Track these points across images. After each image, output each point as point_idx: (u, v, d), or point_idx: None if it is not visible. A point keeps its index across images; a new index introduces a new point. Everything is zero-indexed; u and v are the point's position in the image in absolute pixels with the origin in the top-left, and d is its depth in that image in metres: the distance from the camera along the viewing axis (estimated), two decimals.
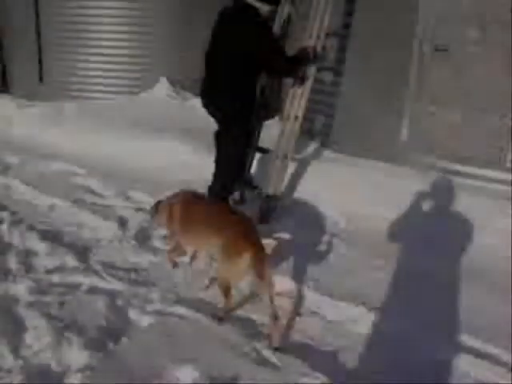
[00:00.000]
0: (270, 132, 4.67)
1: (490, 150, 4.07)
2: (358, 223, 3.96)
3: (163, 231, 3.61)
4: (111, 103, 7.11)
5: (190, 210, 3.01)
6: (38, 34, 8.07)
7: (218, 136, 3.82)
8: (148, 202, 4.30)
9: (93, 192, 4.63)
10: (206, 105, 3.75)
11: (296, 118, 4.05)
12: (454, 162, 4.26)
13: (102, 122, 6.24)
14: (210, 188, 3.83)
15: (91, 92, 7.72)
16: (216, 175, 3.84)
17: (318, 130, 5.26)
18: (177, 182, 4.72)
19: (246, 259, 2.51)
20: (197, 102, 6.97)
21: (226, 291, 2.69)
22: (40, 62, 8.18)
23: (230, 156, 3.70)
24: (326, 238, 3.78)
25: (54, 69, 8.10)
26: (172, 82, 7.33)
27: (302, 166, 4.63)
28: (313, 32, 4.02)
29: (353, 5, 4.72)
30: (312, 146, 5.09)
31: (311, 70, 4.01)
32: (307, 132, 5.25)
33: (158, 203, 3.27)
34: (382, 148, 4.57)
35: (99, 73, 7.70)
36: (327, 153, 4.94)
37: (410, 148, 4.43)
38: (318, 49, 4.00)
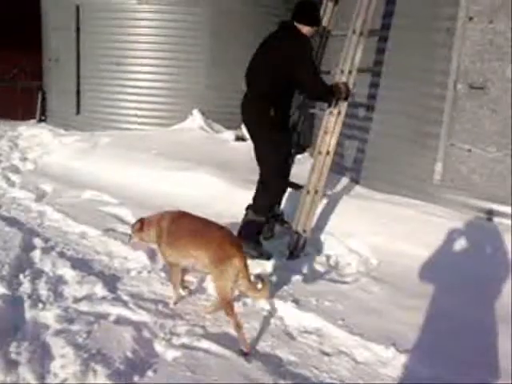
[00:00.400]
0: (302, 167, 4.66)
1: None
2: (390, 261, 3.87)
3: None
4: (145, 134, 7.27)
5: (177, 225, 3.10)
6: (78, 67, 8.38)
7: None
8: None
9: (124, 222, 4.68)
10: (245, 120, 3.95)
11: (328, 153, 4.04)
12: (489, 201, 4.16)
13: (135, 153, 6.36)
14: (252, 206, 3.91)
15: (126, 123, 7.94)
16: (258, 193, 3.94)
17: (349, 166, 5.24)
18: (209, 214, 4.74)
19: (234, 262, 2.70)
20: (229, 135, 7.16)
21: (229, 308, 2.76)
22: (78, 93, 8.47)
23: (273, 163, 3.82)
24: (356, 275, 3.70)
25: (90, 100, 8.38)
26: (205, 115, 7.47)
27: (333, 201, 4.59)
28: (345, 68, 4.05)
29: (386, 42, 4.74)
30: (343, 182, 5.06)
31: (344, 105, 4.02)
32: (339, 167, 5.23)
33: (141, 221, 3.27)
34: (416, 186, 4.49)
35: (134, 105, 7.92)
36: (358, 188, 4.90)
37: (445, 186, 4.35)
38: (350, 86, 4.02)
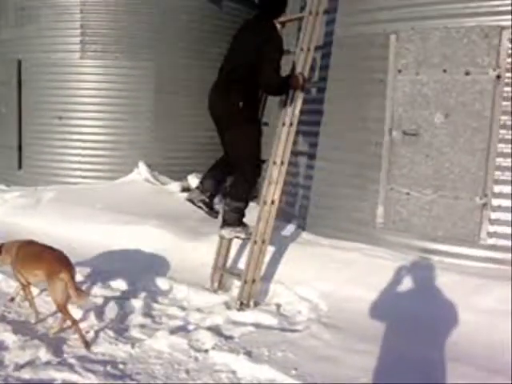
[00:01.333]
0: (249, 217, 4.71)
1: (464, 228, 4.17)
2: (339, 306, 3.93)
3: None
4: (89, 188, 7.16)
5: (24, 251, 3.71)
6: (19, 121, 8.24)
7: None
8: (128, 289, 4.24)
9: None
10: (211, 106, 4.18)
11: (273, 202, 4.12)
12: (429, 241, 4.34)
13: (79, 208, 6.24)
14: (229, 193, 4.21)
15: (69, 177, 7.80)
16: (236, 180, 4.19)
17: (295, 213, 5.34)
18: (158, 267, 4.69)
19: (62, 276, 3.29)
20: (175, 187, 7.17)
21: (65, 310, 3.36)
22: (19, 148, 8.29)
23: (245, 149, 4.06)
24: (307, 323, 3.72)
25: (32, 155, 8.21)
26: (150, 167, 7.47)
27: (281, 249, 4.65)
28: (286, 120, 4.20)
29: (324, 93, 4.97)
30: (290, 229, 5.14)
31: (286, 155, 4.15)
32: (286, 215, 5.33)
33: (2, 245, 3.83)
34: (360, 229, 4.64)
35: (78, 158, 7.82)
36: (305, 235, 4.99)
37: (387, 229, 4.51)
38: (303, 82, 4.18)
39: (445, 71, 4.21)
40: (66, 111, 7.86)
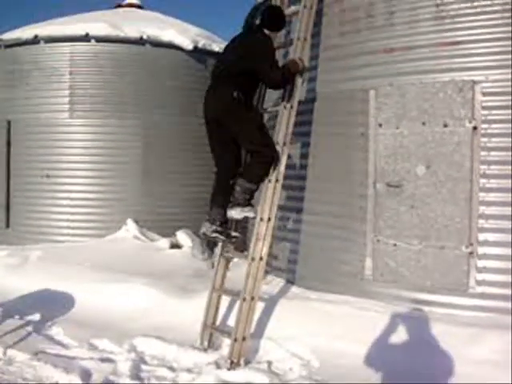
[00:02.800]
0: (238, 272, 4.70)
1: (453, 278, 4.18)
2: (331, 362, 3.86)
3: None
4: (77, 246, 7.12)
5: None
6: (8, 180, 8.27)
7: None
8: (115, 350, 4.16)
9: (55, 342, 4.43)
10: (207, 107, 4.33)
11: (261, 258, 4.13)
12: (419, 292, 4.34)
13: (67, 266, 6.17)
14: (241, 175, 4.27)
15: (58, 235, 7.76)
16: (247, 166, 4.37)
17: (284, 267, 5.33)
18: (147, 326, 4.61)
19: None
20: (164, 243, 7.15)
21: None
22: (7, 207, 8.28)
23: (254, 135, 4.23)
24: (299, 380, 3.65)
25: (21, 214, 8.19)
26: (139, 224, 7.47)
27: (271, 304, 4.60)
28: (271, 177, 4.29)
29: (308, 147, 5.08)
30: (279, 284, 5.11)
31: (273, 211, 4.20)
32: (274, 269, 5.32)
33: None
34: (348, 282, 4.64)
35: (66, 216, 7.81)
36: (294, 289, 4.96)
37: (375, 281, 4.51)
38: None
39: (424, 124, 4.34)
40: (55, 169, 7.92)
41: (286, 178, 4.40)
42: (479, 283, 4.12)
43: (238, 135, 4.28)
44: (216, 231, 4.31)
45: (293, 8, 4.98)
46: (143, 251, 6.70)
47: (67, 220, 7.80)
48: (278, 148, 4.27)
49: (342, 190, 4.78)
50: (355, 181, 4.68)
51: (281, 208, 4.48)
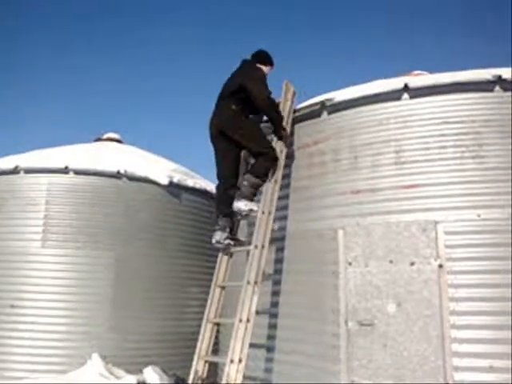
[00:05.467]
0: None
1: None
2: None
3: None
4: None
5: None
6: None
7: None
8: None
9: None
10: (213, 120, 5.06)
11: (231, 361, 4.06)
12: None
13: None
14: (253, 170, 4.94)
15: (16, 371, 7.26)
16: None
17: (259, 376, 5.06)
18: None
19: None
20: (130, 380, 6.76)
21: None
22: None
23: (259, 136, 5.02)
24: None
25: None
26: (105, 359, 7.12)
27: None
28: (243, 316, 4.25)
29: (280, 285, 5.11)
30: None
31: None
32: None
33: None
34: None
35: (27, 350, 7.38)
36: None
37: None
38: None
39: (391, 262, 4.47)
40: (21, 299, 7.64)
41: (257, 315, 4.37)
42: None
43: (241, 140, 4.97)
44: (228, 238, 4.91)
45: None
46: None
47: (29, 354, 7.36)
48: (250, 287, 4.31)
49: (314, 328, 4.73)
50: (328, 319, 4.66)
51: (252, 346, 4.37)
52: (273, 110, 4.98)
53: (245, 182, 4.88)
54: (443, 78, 4.83)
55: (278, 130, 5.06)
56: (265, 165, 4.88)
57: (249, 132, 4.96)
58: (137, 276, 7.78)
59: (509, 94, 4.63)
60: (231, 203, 4.88)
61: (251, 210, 4.80)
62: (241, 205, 4.81)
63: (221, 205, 5.04)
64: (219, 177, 5.14)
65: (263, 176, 4.88)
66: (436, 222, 4.39)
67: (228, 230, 4.95)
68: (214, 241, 4.95)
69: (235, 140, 4.97)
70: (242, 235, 5.34)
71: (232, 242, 4.93)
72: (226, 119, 4.95)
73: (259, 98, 4.86)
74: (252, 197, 4.87)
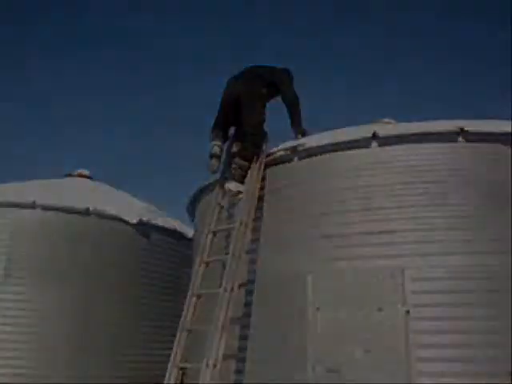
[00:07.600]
0: None
1: None
2: None
3: None
4: None
5: None
6: None
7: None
8: None
9: None
10: (214, 132, 5.74)
11: None
12: None
13: None
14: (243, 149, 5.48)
15: None
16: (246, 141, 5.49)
17: None
18: None
19: None
20: None
21: None
22: None
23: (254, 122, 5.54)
24: None
25: None
26: None
27: None
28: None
29: (248, 329, 5.05)
30: None
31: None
32: None
33: None
34: None
35: None
36: None
37: None
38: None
39: (359, 307, 4.49)
40: None
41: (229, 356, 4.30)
42: None
43: (244, 109, 5.51)
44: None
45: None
46: None
47: None
48: (217, 334, 4.26)
49: (281, 374, 4.66)
50: (295, 365, 4.61)
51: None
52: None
53: (233, 165, 5.39)
54: (411, 128, 5.00)
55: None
56: (251, 149, 5.37)
57: (253, 110, 5.49)
58: (103, 318, 7.54)
59: (471, 144, 4.81)
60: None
61: (239, 192, 5.26)
62: (232, 186, 5.28)
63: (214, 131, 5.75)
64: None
65: (249, 159, 5.37)
66: (403, 268, 4.45)
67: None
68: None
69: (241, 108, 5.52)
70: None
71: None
72: (250, 89, 5.55)
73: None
74: (242, 179, 5.32)
